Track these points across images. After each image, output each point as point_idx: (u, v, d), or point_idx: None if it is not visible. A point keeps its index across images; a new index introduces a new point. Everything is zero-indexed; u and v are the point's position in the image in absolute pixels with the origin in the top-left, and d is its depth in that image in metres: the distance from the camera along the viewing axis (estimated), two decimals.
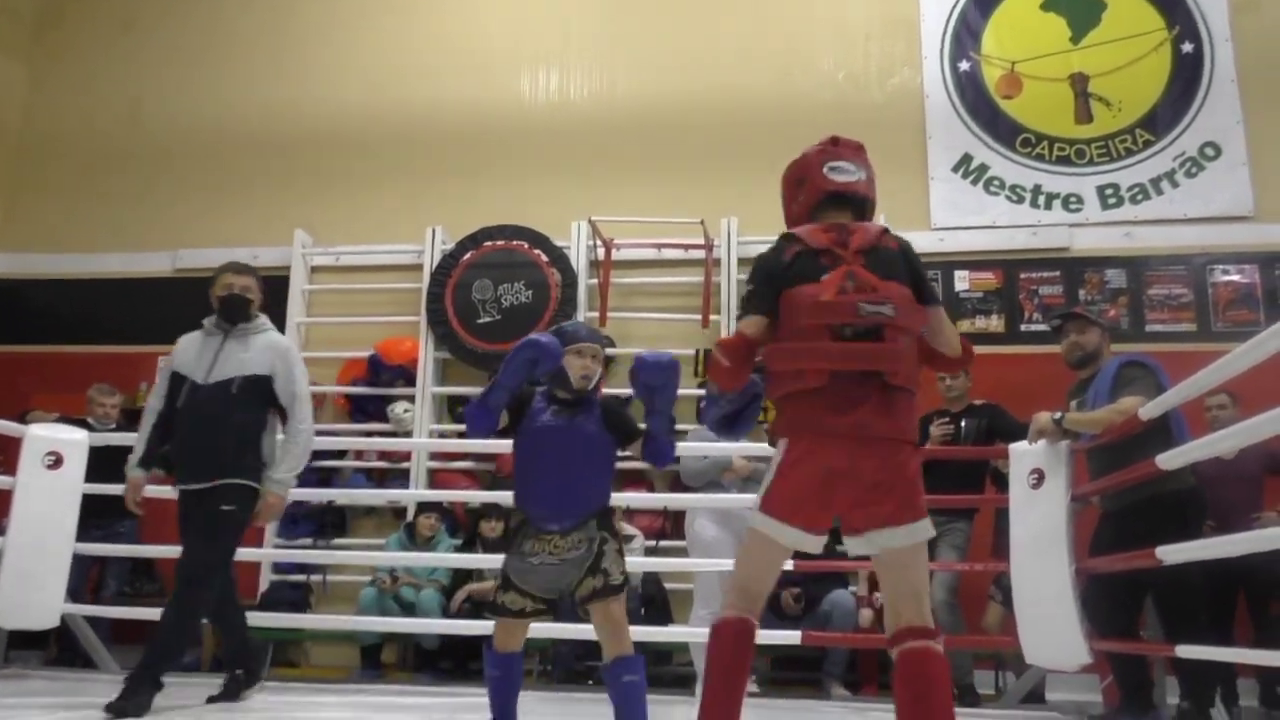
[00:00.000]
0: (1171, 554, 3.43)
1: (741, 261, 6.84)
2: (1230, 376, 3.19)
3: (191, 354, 3.97)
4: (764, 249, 7.12)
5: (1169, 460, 3.51)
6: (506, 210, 7.07)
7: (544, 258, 6.93)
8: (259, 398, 3.96)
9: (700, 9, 7.53)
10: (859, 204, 2.50)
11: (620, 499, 5.91)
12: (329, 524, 6.74)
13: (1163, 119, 6.82)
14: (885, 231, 2.45)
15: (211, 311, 4.08)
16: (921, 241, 6.76)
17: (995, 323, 6.67)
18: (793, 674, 5.96)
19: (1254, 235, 6.51)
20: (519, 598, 2.97)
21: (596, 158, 7.28)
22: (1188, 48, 6.91)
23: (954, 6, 7.24)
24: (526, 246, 6.97)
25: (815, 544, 2.39)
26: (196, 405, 3.87)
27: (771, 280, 2.37)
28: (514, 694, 3.10)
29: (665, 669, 5.74)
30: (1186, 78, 6.86)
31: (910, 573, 2.33)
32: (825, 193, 2.44)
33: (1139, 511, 3.88)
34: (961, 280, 6.75)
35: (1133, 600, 4.03)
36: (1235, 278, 6.51)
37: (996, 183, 6.89)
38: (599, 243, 6.91)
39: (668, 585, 5.95)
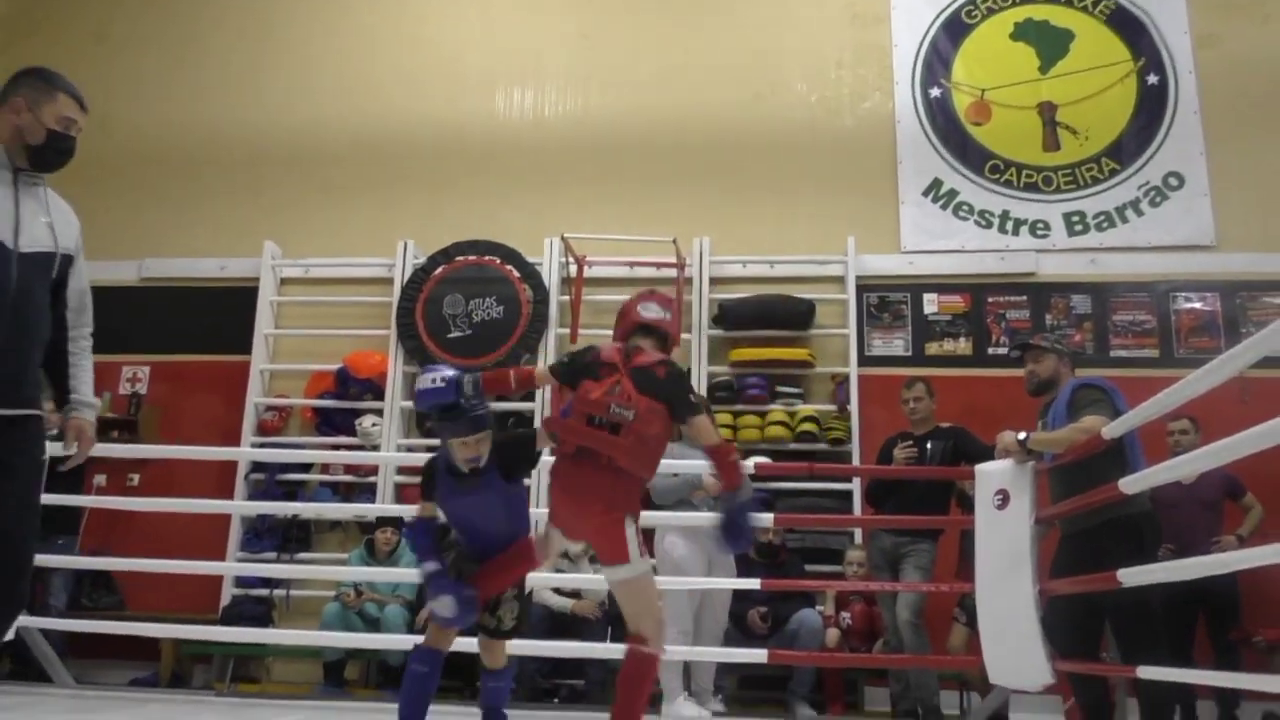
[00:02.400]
0: (1132, 576, 3.47)
1: (714, 281, 6.88)
2: (1188, 399, 3.23)
3: None
4: (735, 268, 7.31)
5: (1131, 484, 3.55)
6: (479, 225, 7.07)
7: (516, 274, 6.93)
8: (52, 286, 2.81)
9: (675, 31, 7.58)
10: (661, 336, 3.25)
11: None
12: (293, 538, 6.67)
13: (1128, 148, 6.95)
14: (662, 361, 3.16)
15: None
16: (891, 264, 6.86)
17: (963, 345, 6.74)
18: (759, 693, 5.96)
19: (1215, 264, 6.65)
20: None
21: (570, 175, 7.30)
22: (1153, 79, 7.05)
23: (925, 34, 7.34)
24: (499, 262, 6.97)
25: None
26: (4, 280, 2.61)
27: (573, 367, 3.20)
28: (430, 693, 3.29)
29: None
30: (1151, 109, 7.00)
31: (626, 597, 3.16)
32: (635, 323, 3.24)
33: (1097, 534, 3.92)
34: (930, 303, 6.82)
35: (1093, 622, 4.07)
36: (1197, 305, 6.63)
37: (965, 208, 6.98)
38: (571, 259, 6.92)
39: None
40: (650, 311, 3.26)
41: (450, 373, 3.10)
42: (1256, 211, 6.68)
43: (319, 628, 5.80)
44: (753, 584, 5.06)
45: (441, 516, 3.19)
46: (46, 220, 2.74)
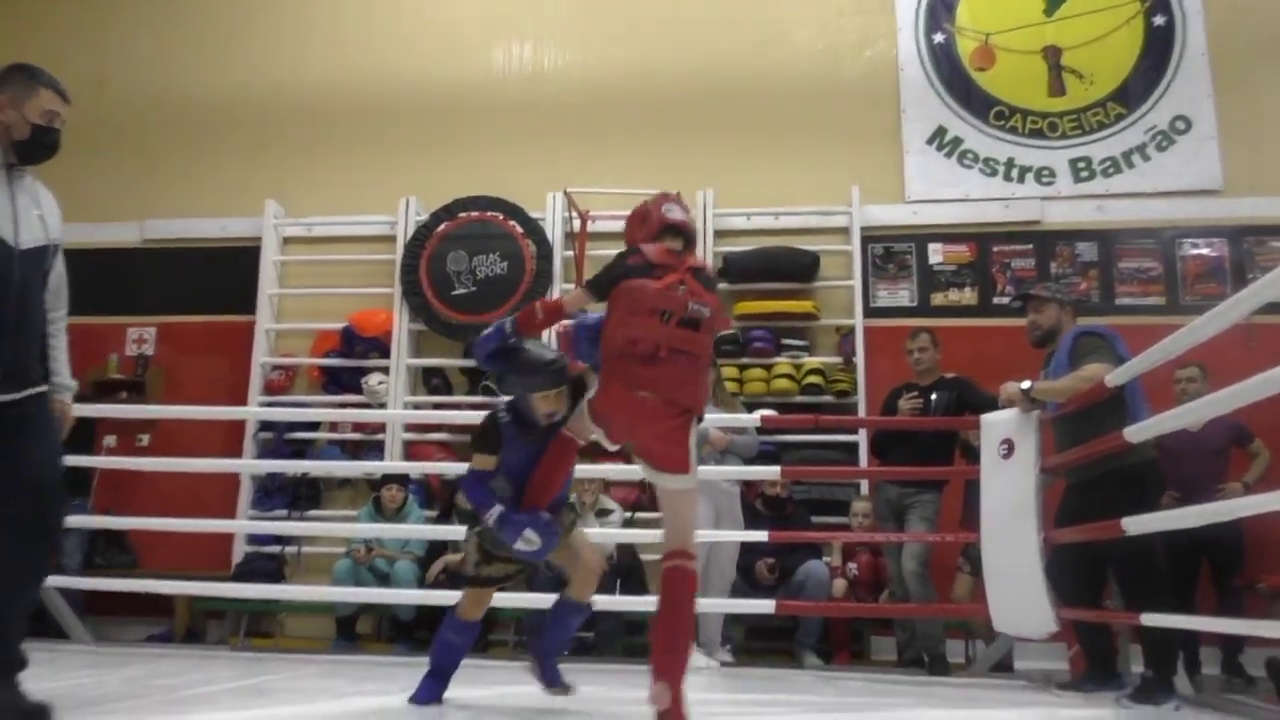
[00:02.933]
0: (1136, 525, 3.50)
1: (718, 234, 6.85)
2: (1193, 345, 3.24)
3: None
4: (739, 220, 7.22)
5: (1135, 433, 3.56)
6: (481, 181, 7.02)
7: (519, 229, 6.90)
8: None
9: None
10: (689, 237, 3.10)
11: (599, 471, 5.94)
12: (303, 496, 6.73)
13: (1134, 92, 6.86)
14: (704, 264, 3.13)
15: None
16: (895, 214, 6.82)
17: (968, 295, 6.71)
18: (766, 643, 6.03)
19: (1222, 209, 6.59)
20: (504, 565, 3.20)
21: (572, 129, 7.24)
22: (1160, 20, 6.94)
23: None
24: (501, 218, 6.93)
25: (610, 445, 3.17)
26: (7, 282, 2.71)
27: (611, 275, 2.97)
28: (459, 662, 3.31)
29: (639, 639, 5.79)
30: (1158, 50, 6.90)
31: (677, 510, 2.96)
32: (664, 223, 3.05)
33: (1101, 483, 3.94)
34: (935, 253, 6.78)
35: (1097, 570, 4.10)
36: (1204, 251, 6.59)
37: (970, 156, 6.91)
38: (574, 214, 6.88)
39: (643, 557, 5.98)
40: (675, 213, 3.10)
41: (495, 324, 3.16)
42: (1264, 155, 6.60)
43: (330, 583, 5.87)
44: (760, 536, 5.11)
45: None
46: (38, 213, 2.83)
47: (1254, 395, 2.69)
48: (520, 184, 6.98)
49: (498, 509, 3.05)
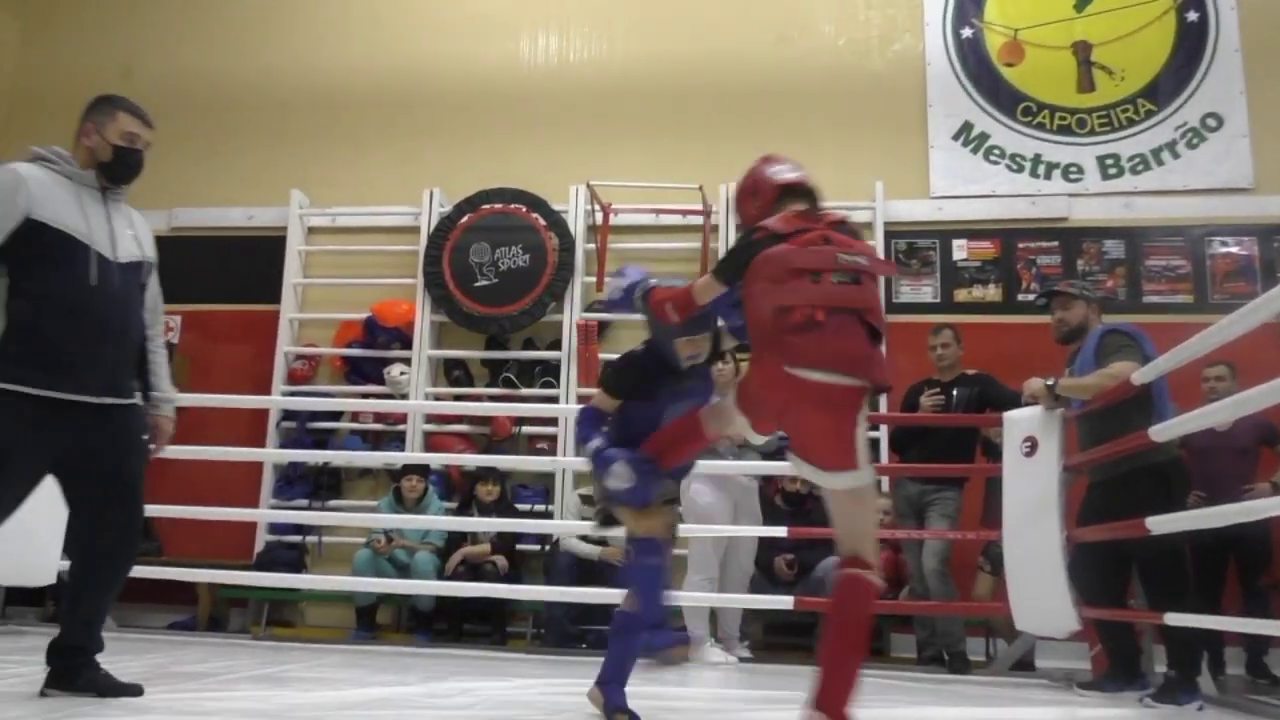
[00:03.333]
0: (1161, 524, 3.46)
1: (739, 228, 6.81)
2: (1220, 345, 3.19)
3: (73, 210, 2.91)
4: None
5: (1161, 432, 3.52)
6: (504, 173, 7.03)
7: (542, 222, 6.90)
8: None
9: None
10: (812, 195, 2.65)
11: None
12: (324, 485, 6.77)
13: (1165, 88, 6.78)
14: (845, 216, 2.64)
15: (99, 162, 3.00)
16: (920, 210, 6.78)
17: (993, 292, 6.66)
18: (785, 639, 6.02)
19: (1253, 207, 6.50)
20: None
21: (595, 121, 7.23)
22: (1192, 16, 6.85)
23: None
24: (524, 210, 6.94)
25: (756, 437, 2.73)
26: (108, 290, 2.91)
27: (739, 255, 2.54)
28: (667, 586, 2.96)
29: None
30: (1190, 46, 6.81)
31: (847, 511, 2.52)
32: (779, 188, 2.62)
33: (1126, 482, 3.91)
34: (960, 249, 6.74)
35: (1120, 569, 4.07)
36: (1233, 249, 6.50)
37: (996, 151, 6.85)
38: (597, 207, 6.88)
39: None
40: (787, 173, 2.66)
41: (628, 281, 2.96)
42: None
43: (350, 573, 5.90)
44: (779, 532, 5.09)
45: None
46: (132, 233, 3.06)
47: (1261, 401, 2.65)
48: (543, 176, 6.99)
49: (598, 441, 2.81)
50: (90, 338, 2.88)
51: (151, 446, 3.16)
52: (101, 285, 2.88)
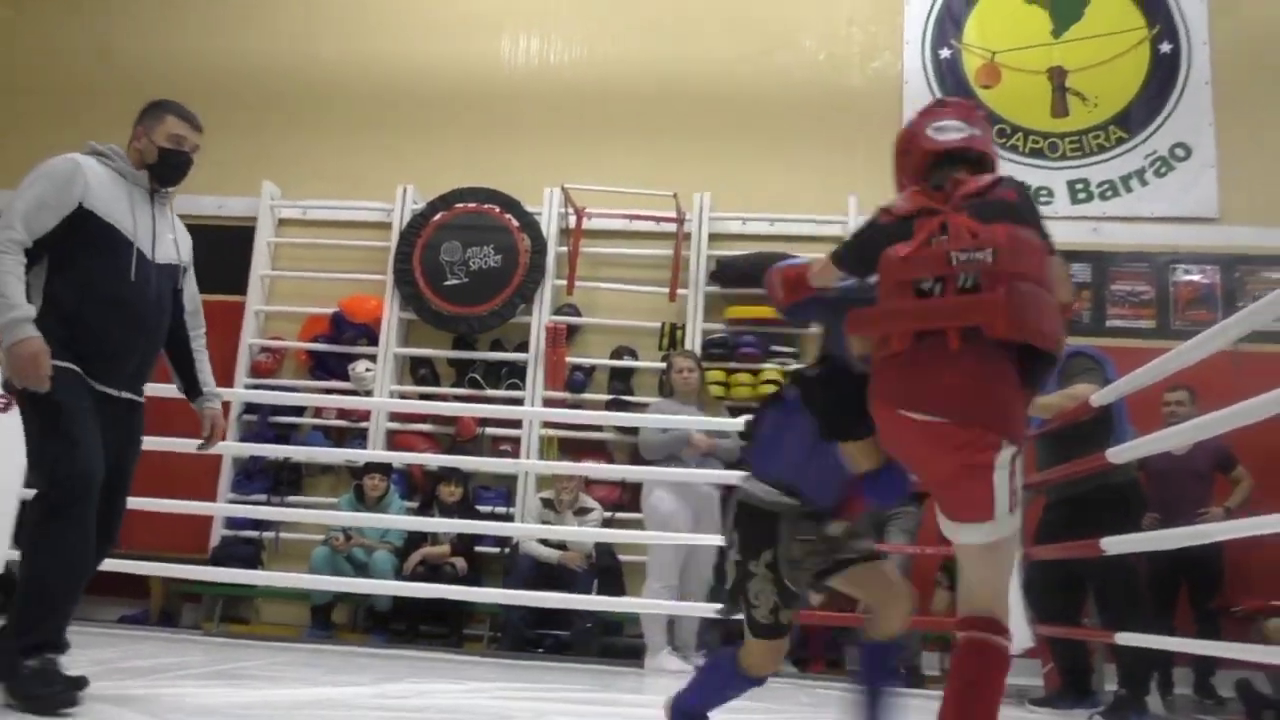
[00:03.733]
0: (1115, 545, 3.50)
1: (713, 237, 6.83)
2: (1179, 369, 3.25)
3: (123, 206, 2.96)
4: (735, 224, 6.89)
5: (1118, 454, 3.57)
6: (479, 172, 7.00)
7: (515, 223, 6.87)
8: None
9: None
10: (974, 161, 2.18)
11: (578, 469, 5.93)
12: (284, 481, 6.69)
13: (1137, 117, 6.88)
14: (1000, 180, 2.13)
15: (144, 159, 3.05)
16: None
17: None
18: None
19: (1217, 237, 6.60)
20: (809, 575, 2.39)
21: (573, 125, 7.22)
22: (1166, 48, 6.96)
23: None
24: (498, 210, 6.91)
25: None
26: (145, 288, 2.95)
27: (861, 245, 2.16)
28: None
29: (617, 639, 5.78)
30: (1163, 77, 6.91)
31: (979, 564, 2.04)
32: (929, 154, 2.18)
33: (1083, 502, 3.96)
34: None
35: (1075, 588, 4.11)
36: (1196, 278, 6.60)
37: None
38: (571, 210, 6.87)
39: (621, 557, 5.97)
40: (948, 133, 2.18)
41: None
42: (1261, 185, 6.60)
43: (307, 571, 5.84)
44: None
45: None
46: (172, 236, 3.12)
47: (1236, 422, 2.69)
48: (518, 177, 6.96)
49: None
50: (127, 331, 2.93)
51: (206, 439, 3.35)
52: (139, 282, 2.94)
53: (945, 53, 7.13)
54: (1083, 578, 4.04)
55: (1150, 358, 3.34)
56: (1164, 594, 4.99)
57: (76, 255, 2.87)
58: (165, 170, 3.08)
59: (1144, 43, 6.99)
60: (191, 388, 3.31)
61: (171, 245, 3.10)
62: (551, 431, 6.63)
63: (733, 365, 6.57)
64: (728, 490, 5.60)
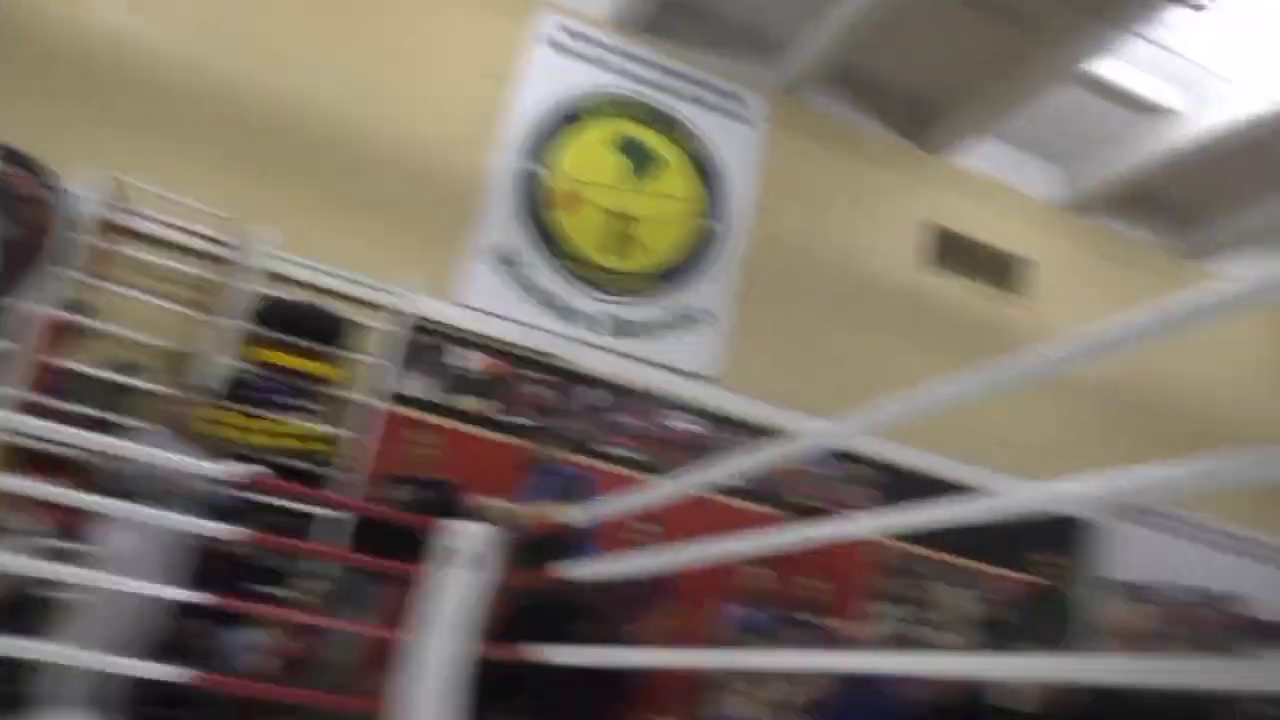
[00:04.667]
0: (557, 653, 3.77)
1: (273, 276, 6.54)
2: (647, 505, 3.64)
3: None
4: (295, 269, 6.62)
5: (573, 570, 3.89)
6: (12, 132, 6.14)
7: (46, 197, 6.07)
8: None
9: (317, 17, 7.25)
10: None
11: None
12: None
13: (679, 275, 7.78)
14: None
15: None
16: (446, 312, 6.99)
17: (489, 407, 6.98)
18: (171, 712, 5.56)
19: (713, 396, 7.60)
20: None
21: (153, 112, 6.63)
22: (716, 225, 7.99)
23: (544, 110, 7.71)
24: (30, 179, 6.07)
25: None
26: None
27: None
28: None
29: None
30: (708, 248, 7.92)
31: None
32: None
33: (536, 610, 4.24)
34: (470, 359, 7.01)
35: (511, 688, 4.34)
36: (690, 426, 7.50)
37: (528, 282, 7.34)
38: (117, 203, 6.23)
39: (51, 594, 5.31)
40: None
41: None
42: (762, 365, 7.76)
43: None
44: (199, 597, 4.74)
45: None
46: None
47: (664, 561, 3.06)
48: (61, 150, 6.20)
49: None
50: None
51: None
52: None
53: (536, 168, 7.57)
54: (522, 678, 4.28)
55: (639, 485, 3.72)
56: (589, 700, 5.41)
57: None
58: None
59: (701, 214, 7.97)
60: None
61: None
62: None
63: (253, 410, 6.25)
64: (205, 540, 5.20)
